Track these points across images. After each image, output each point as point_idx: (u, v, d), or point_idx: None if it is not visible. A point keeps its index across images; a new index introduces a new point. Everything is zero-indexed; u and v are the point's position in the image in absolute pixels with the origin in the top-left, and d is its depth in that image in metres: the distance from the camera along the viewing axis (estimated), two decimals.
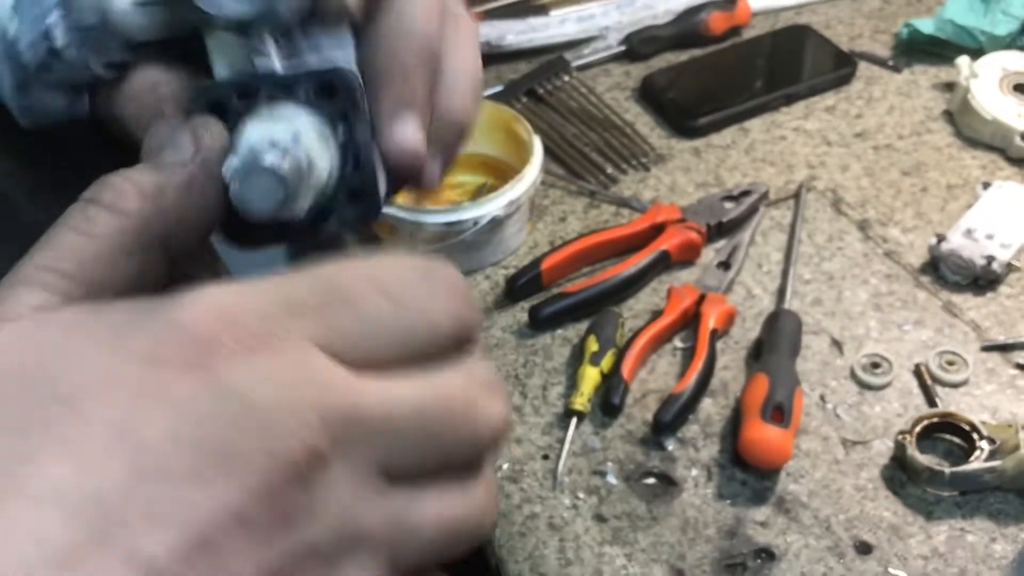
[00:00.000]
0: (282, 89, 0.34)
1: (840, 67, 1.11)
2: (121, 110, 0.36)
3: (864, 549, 0.71)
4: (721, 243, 0.93)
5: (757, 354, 0.83)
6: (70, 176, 0.40)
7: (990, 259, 0.86)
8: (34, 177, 0.39)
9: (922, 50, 1.13)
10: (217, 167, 0.31)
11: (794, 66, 1.14)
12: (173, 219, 0.30)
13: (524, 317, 0.88)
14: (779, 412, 0.74)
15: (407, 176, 0.36)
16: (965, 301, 0.87)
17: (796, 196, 0.97)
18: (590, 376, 0.81)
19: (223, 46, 0.35)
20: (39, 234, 0.34)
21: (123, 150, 0.36)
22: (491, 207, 0.89)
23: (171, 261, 0.30)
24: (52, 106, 0.38)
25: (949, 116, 1.06)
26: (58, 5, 0.34)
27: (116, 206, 0.29)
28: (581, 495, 0.75)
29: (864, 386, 0.81)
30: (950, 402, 0.79)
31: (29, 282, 0.27)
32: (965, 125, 1.03)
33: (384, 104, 0.35)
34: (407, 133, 0.35)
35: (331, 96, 0.34)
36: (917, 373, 0.81)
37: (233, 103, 0.34)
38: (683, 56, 1.15)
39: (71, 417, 0.22)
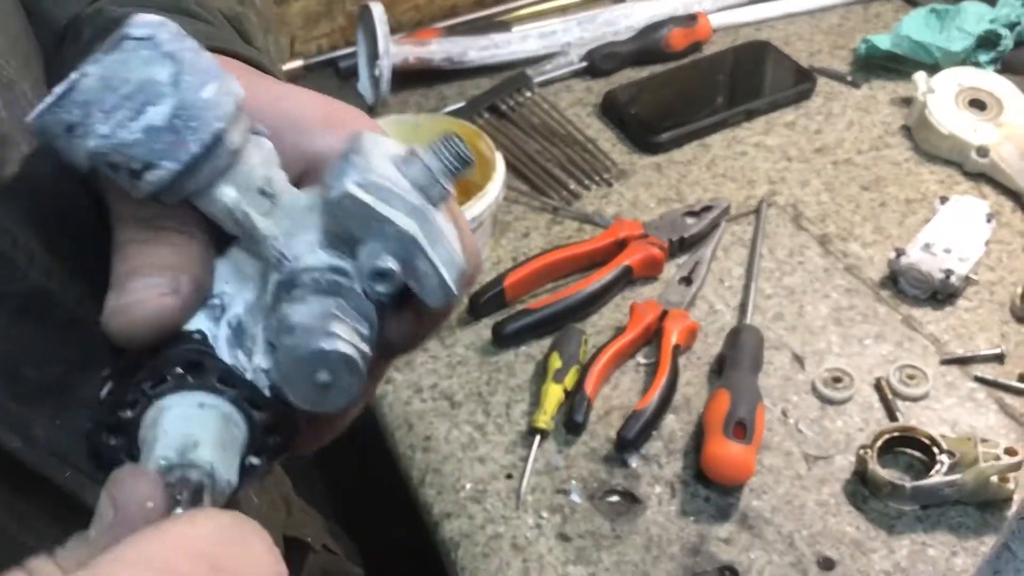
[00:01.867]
0: (248, 403, 0.36)
1: (800, 83, 1.12)
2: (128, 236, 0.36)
3: (827, 565, 0.71)
4: (683, 258, 0.93)
5: (719, 370, 0.83)
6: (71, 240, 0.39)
7: (948, 272, 0.86)
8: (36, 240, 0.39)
9: (880, 66, 1.14)
10: (140, 519, 0.30)
11: (755, 82, 1.14)
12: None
13: (487, 334, 0.88)
14: (741, 428, 0.74)
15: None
16: (924, 315, 0.87)
17: (757, 211, 0.98)
18: (553, 393, 0.81)
19: (242, 254, 0.37)
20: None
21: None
22: None
23: None
24: None
25: (907, 131, 1.07)
26: (180, 164, 0.34)
27: None
28: (545, 514, 0.75)
29: (826, 401, 0.81)
30: (911, 416, 0.79)
31: None
32: (923, 140, 1.04)
33: None
34: None
35: (274, 432, 0.37)
36: (878, 387, 0.81)
37: (210, 379, 0.35)
38: (644, 72, 1.15)
39: None
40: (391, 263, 0.36)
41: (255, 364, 0.36)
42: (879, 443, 0.75)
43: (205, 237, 0.36)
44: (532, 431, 0.80)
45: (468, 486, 0.77)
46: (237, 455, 0.36)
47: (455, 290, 0.37)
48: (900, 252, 0.89)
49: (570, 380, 0.82)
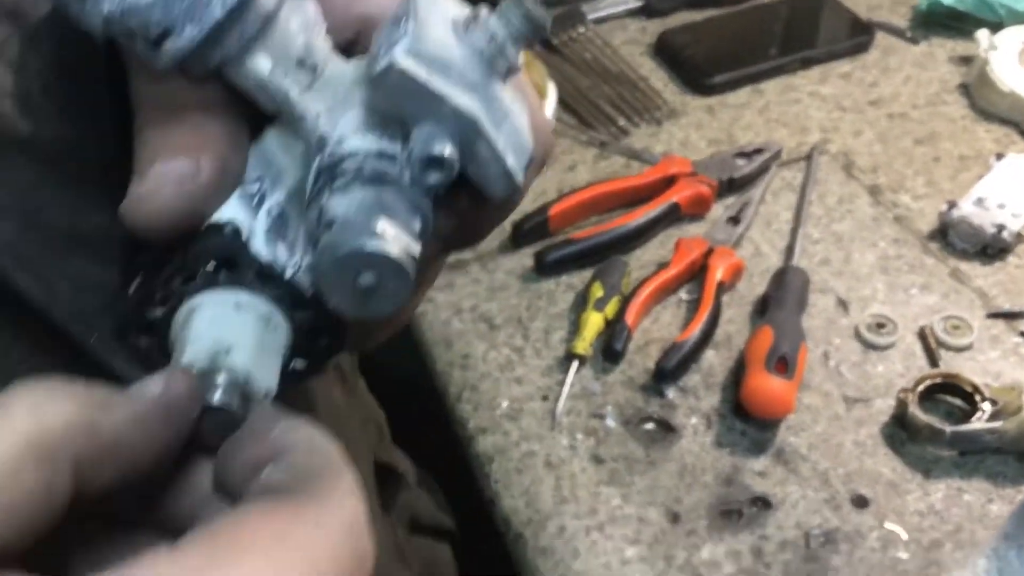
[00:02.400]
0: (290, 304, 0.33)
1: (857, 35, 1.10)
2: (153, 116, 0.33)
3: (861, 503, 0.70)
4: (731, 199, 0.92)
5: (762, 310, 0.82)
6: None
7: (1000, 228, 0.85)
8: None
9: (941, 23, 1.12)
10: (178, 413, 0.28)
11: (811, 31, 1.13)
12: (109, 436, 0.26)
13: (529, 262, 0.88)
14: (783, 363, 0.74)
15: None
16: (973, 269, 0.86)
17: (808, 158, 0.97)
18: (593, 321, 0.81)
19: (282, 136, 0.34)
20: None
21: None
22: None
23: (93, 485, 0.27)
24: None
25: (964, 90, 1.05)
26: (201, 28, 0.30)
27: (40, 409, 0.25)
28: (579, 436, 0.75)
29: (868, 345, 0.80)
30: (953, 366, 0.79)
31: None
32: (981, 98, 1.02)
33: None
34: None
35: (320, 336, 0.34)
36: (921, 335, 0.81)
37: (248, 276, 0.32)
38: (701, 15, 1.14)
39: None
40: (446, 148, 0.31)
41: (297, 260, 0.33)
42: (920, 387, 0.74)
43: (235, 116, 0.33)
44: (570, 357, 0.80)
45: (504, 404, 0.77)
46: (278, 359, 0.33)
47: (520, 179, 0.33)
48: (952, 205, 0.87)
49: (611, 309, 0.82)
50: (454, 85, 0.31)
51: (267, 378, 0.31)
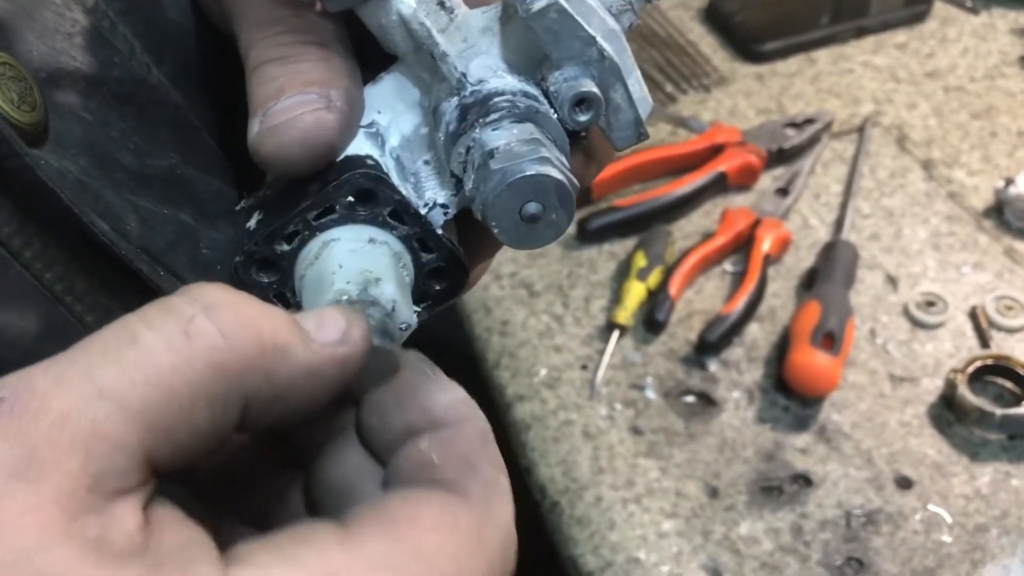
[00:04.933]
0: (418, 242, 0.33)
1: (914, 4, 1.07)
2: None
3: (904, 484, 0.69)
4: (780, 170, 0.90)
5: (809, 284, 0.81)
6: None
7: None
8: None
9: None
10: (351, 370, 0.27)
11: (866, 0, 1.10)
12: (285, 390, 0.25)
13: (571, 229, 0.86)
14: (829, 339, 0.72)
15: None
16: None
17: (860, 130, 0.94)
18: (635, 291, 0.79)
19: (398, 81, 0.34)
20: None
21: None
22: None
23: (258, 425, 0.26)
24: None
25: None
26: None
27: (229, 337, 0.24)
28: (618, 407, 0.74)
29: (917, 324, 0.78)
30: (1004, 347, 0.77)
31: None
32: None
33: None
34: None
35: (442, 276, 0.34)
36: (972, 315, 0.79)
37: (381, 212, 0.32)
38: None
39: None
40: (594, 88, 0.32)
41: (426, 198, 0.33)
42: (971, 369, 0.72)
43: (350, 56, 0.33)
44: (610, 326, 0.78)
45: (543, 372, 0.76)
46: (410, 296, 0.33)
47: (646, 131, 0.33)
48: (1009, 181, 0.85)
49: (653, 280, 0.80)
50: (597, 30, 0.32)
51: (408, 314, 0.31)
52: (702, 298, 0.81)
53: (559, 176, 0.30)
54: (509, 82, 0.32)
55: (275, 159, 0.32)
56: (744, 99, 0.98)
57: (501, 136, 0.31)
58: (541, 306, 0.81)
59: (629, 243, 0.85)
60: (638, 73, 0.33)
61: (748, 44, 1.02)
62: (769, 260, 0.81)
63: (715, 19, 1.06)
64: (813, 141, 0.92)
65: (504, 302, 0.82)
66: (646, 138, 0.34)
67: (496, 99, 0.32)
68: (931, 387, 0.74)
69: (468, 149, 0.31)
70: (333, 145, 0.32)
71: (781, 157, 0.90)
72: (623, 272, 0.82)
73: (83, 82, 0.34)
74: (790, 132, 0.91)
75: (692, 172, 0.88)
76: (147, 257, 0.34)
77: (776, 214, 0.85)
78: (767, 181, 0.90)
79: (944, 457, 0.70)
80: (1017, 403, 0.71)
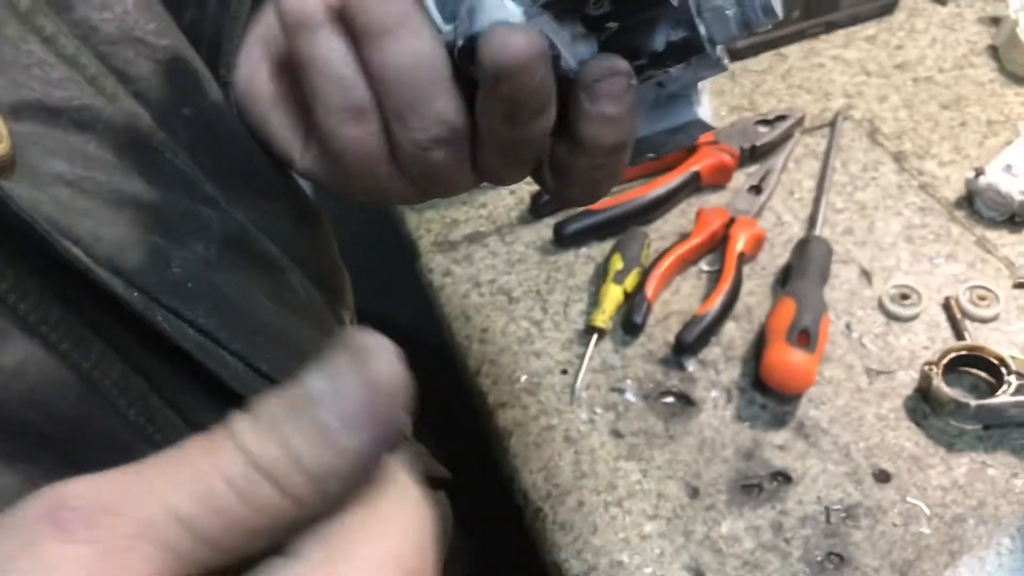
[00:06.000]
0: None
1: None
2: None
3: (883, 477, 0.70)
4: (753, 168, 0.91)
5: (784, 281, 0.82)
6: None
7: None
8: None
9: None
10: (394, 435, 0.25)
11: None
12: (340, 494, 0.24)
13: (548, 234, 0.87)
14: (805, 336, 0.73)
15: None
16: (1000, 237, 0.85)
17: (832, 124, 0.95)
18: (613, 294, 0.80)
19: None
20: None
21: None
22: None
23: None
24: None
25: (993, 52, 1.02)
26: None
27: (285, 489, 0.23)
28: (598, 410, 0.75)
29: (891, 317, 0.79)
30: (978, 337, 0.77)
31: (157, 535, 0.22)
32: (1010, 60, 1.00)
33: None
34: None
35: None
36: (946, 306, 0.79)
37: None
38: None
39: None
40: None
41: None
42: (945, 360, 0.73)
43: None
44: (589, 330, 0.79)
45: (523, 378, 0.77)
46: None
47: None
48: (979, 172, 0.86)
49: (630, 282, 0.81)
50: None
51: None
52: (679, 298, 0.82)
53: None
54: None
55: None
56: (716, 97, 0.99)
57: None
58: (520, 312, 0.82)
59: (606, 246, 0.86)
60: None
61: None
62: (744, 258, 0.82)
63: None
64: (785, 138, 0.92)
65: (484, 309, 0.82)
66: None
67: None
68: (907, 380, 0.75)
69: None
70: None
71: (754, 155, 0.91)
72: (600, 275, 0.83)
73: (44, 112, 0.35)
74: (762, 129, 0.92)
75: (666, 173, 0.89)
76: (120, 280, 0.34)
77: (750, 212, 0.86)
78: (741, 179, 0.90)
79: (921, 449, 0.71)
80: (992, 393, 0.72)
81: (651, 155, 0.40)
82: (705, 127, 0.39)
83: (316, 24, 0.35)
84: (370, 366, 0.24)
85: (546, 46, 0.32)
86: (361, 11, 0.34)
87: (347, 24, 0.35)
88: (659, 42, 0.35)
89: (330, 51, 0.36)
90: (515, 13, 0.33)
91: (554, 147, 0.38)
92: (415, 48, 0.34)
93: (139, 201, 0.36)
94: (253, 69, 0.40)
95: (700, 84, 0.39)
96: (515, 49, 0.32)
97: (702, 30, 0.35)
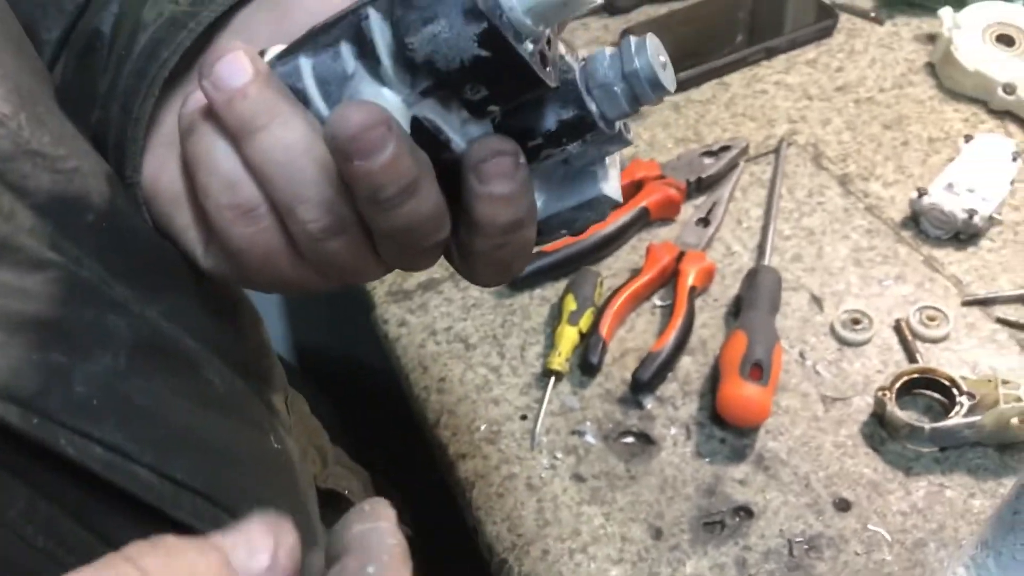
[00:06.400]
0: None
1: (821, 19, 1.09)
2: None
3: (843, 506, 0.70)
4: (701, 199, 0.92)
5: (736, 312, 0.82)
6: None
7: (971, 212, 0.85)
8: None
9: (905, 1, 1.11)
10: None
11: (775, 19, 1.12)
12: None
13: None
14: (758, 369, 0.74)
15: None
16: (946, 255, 0.86)
17: (776, 151, 0.96)
18: (568, 335, 0.80)
19: None
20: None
21: None
22: None
23: None
24: None
25: (931, 68, 1.04)
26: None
27: None
28: (559, 455, 0.75)
29: (844, 342, 0.80)
30: (931, 357, 0.78)
31: None
32: (947, 77, 1.01)
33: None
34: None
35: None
36: (897, 329, 0.80)
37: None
38: (663, 9, 1.13)
39: None
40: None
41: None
42: (898, 384, 0.74)
43: None
44: (547, 373, 0.79)
45: (483, 427, 0.77)
46: None
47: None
48: (922, 192, 0.87)
49: (585, 322, 0.81)
50: None
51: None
52: (634, 336, 0.82)
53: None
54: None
55: None
56: (662, 130, 1.00)
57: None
58: (478, 358, 0.82)
59: (560, 285, 0.86)
60: None
61: None
62: (696, 292, 0.83)
63: None
64: (731, 167, 0.93)
65: (440, 358, 0.82)
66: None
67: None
68: (862, 405, 0.76)
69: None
70: None
71: (700, 187, 0.92)
72: (555, 316, 0.83)
73: None
74: (708, 161, 0.93)
75: (615, 209, 0.89)
76: (17, 408, 0.34)
77: (699, 245, 0.86)
78: (689, 211, 0.91)
79: (879, 475, 0.72)
80: (945, 415, 0.73)
81: (564, 232, 0.40)
82: (613, 203, 0.39)
83: (202, 125, 0.36)
84: (280, 531, 0.28)
85: (387, 117, 0.32)
86: (229, 111, 0.35)
87: (224, 124, 0.35)
88: (551, 121, 0.36)
89: (214, 151, 0.36)
90: (392, 100, 0.34)
91: (455, 230, 0.38)
92: (287, 141, 0.35)
93: (39, 320, 0.35)
94: (158, 169, 0.40)
95: (608, 159, 0.39)
96: (353, 122, 0.32)
97: (593, 107, 0.36)
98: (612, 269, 0.87)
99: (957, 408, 0.72)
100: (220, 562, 0.26)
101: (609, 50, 0.37)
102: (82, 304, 0.37)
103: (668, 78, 0.36)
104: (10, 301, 0.35)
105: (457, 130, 0.35)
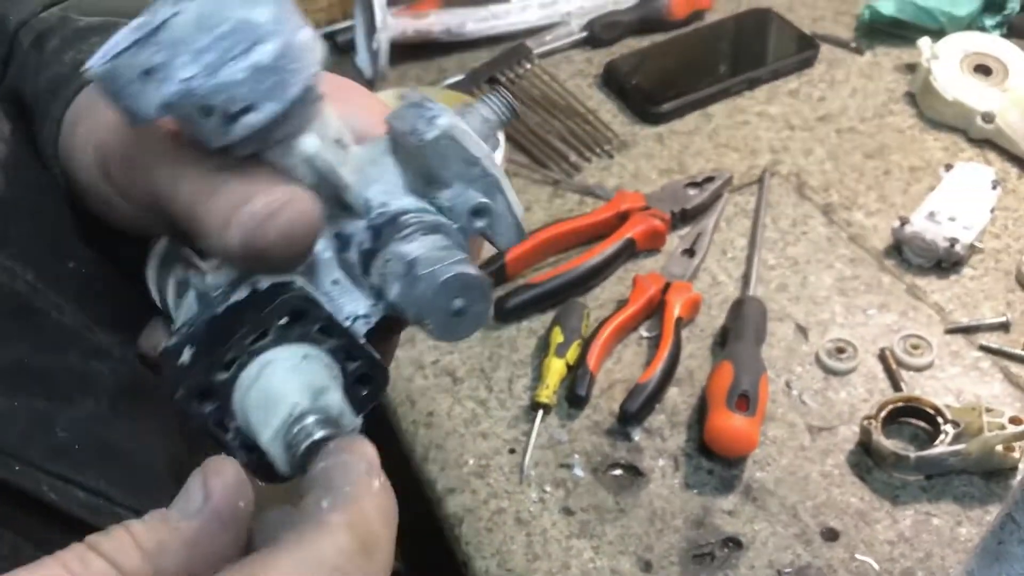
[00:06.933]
0: (344, 354, 0.36)
1: (803, 50, 1.11)
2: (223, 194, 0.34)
3: (831, 535, 0.71)
4: (686, 230, 0.92)
5: (723, 342, 0.83)
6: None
7: (953, 241, 0.86)
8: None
9: (884, 31, 1.13)
10: (229, 515, 0.30)
11: (757, 50, 1.13)
12: (176, 569, 0.28)
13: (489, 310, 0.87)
14: (744, 400, 0.74)
15: None
16: (929, 284, 0.87)
17: (760, 181, 0.97)
18: (555, 368, 0.81)
19: None
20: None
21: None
22: None
23: None
24: None
25: (911, 98, 1.05)
26: (282, 104, 0.33)
27: (115, 560, 0.27)
28: (548, 488, 0.75)
29: (829, 372, 0.81)
30: (915, 386, 0.79)
31: None
32: (927, 107, 1.03)
33: None
34: None
35: (365, 383, 0.36)
36: (882, 357, 0.81)
37: (311, 330, 0.34)
38: (646, 41, 1.14)
39: None
40: (485, 199, 0.37)
41: (346, 312, 0.36)
42: (883, 413, 0.75)
43: None
44: (535, 406, 0.79)
45: (471, 461, 0.77)
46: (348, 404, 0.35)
47: (524, 232, 0.39)
48: (904, 221, 0.88)
49: (572, 354, 0.82)
50: (478, 152, 0.37)
51: (350, 417, 0.34)
52: (621, 367, 0.83)
53: (479, 273, 0.36)
54: (409, 201, 0.37)
55: (260, 255, 0.32)
56: (646, 161, 1.00)
57: (418, 247, 0.36)
58: (465, 392, 0.82)
59: (547, 317, 0.86)
60: (509, 183, 0.39)
61: (645, 106, 1.05)
62: (682, 323, 0.83)
63: (612, 84, 1.09)
64: (715, 198, 0.94)
65: (428, 392, 0.82)
66: (524, 238, 0.39)
67: (403, 216, 0.36)
68: (848, 434, 0.76)
69: (387, 262, 0.36)
70: (314, 236, 0.33)
71: (685, 217, 0.93)
72: (543, 349, 0.84)
73: None
74: (692, 192, 0.94)
75: (601, 241, 0.90)
76: (2, 456, 0.34)
77: (685, 276, 0.87)
78: (675, 241, 0.92)
79: (867, 504, 0.72)
80: (931, 443, 0.73)
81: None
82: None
83: None
84: (210, 471, 0.30)
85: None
86: None
87: None
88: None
89: None
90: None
91: None
92: None
93: (21, 367, 0.36)
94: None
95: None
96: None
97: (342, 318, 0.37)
98: (599, 300, 0.88)
99: (942, 436, 0.72)
100: (158, 517, 0.29)
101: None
102: (64, 350, 0.37)
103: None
104: None
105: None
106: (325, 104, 0.35)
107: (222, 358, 0.34)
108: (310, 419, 0.32)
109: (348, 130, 0.37)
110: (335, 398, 0.34)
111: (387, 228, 0.36)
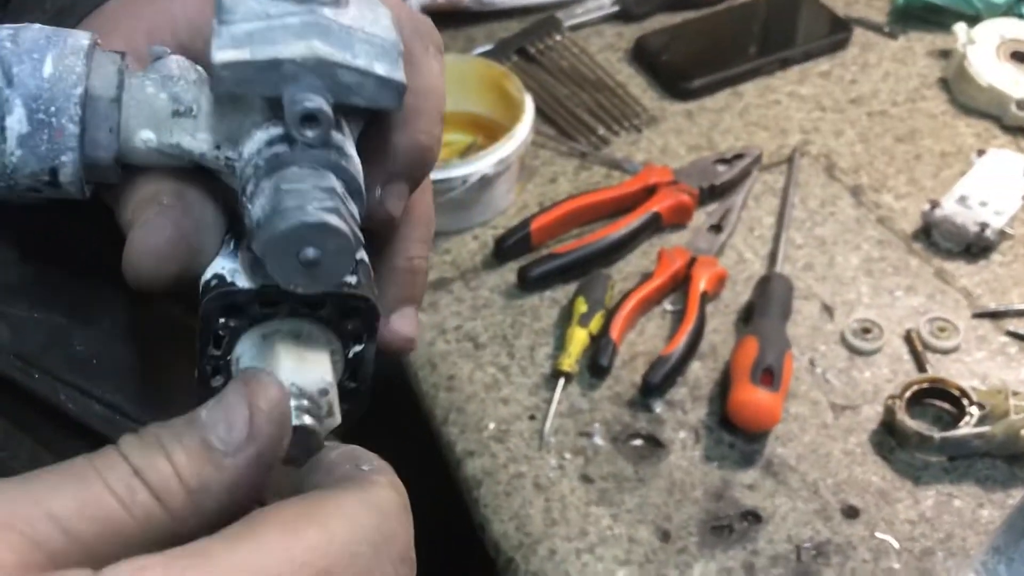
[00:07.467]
0: (306, 306, 0.33)
1: (835, 32, 1.10)
2: (121, 215, 0.34)
3: (851, 513, 0.70)
4: (713, 206, 0.92)
5: (747, 318, 0.82)
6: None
7: (983, 226, 0.85)
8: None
9: (918, 16, 1.12)
10: (271, 456, 0.29)
11: (789, 30, 1.12)
12: (213, 514, 0.27)
13: (512, 278, 0.87)
14: (769, 375, 0.74)
15: (398, 352, 0.39)
16: (957, 268, 0.86)
17: (789, 161, 0.96)
18: (578, 337, 0.80)
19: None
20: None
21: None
22: (480, 165, 0.87)
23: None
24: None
25: (944, 84, 1.04)
26: (74, 148, 0.32)
27: (161, 497, 0.26)
28: (567, 456, 0.75)
29: (854, 351, 0.80)
30: (940, 368, 0.78)
31: (27, 528, 0.24)
32: (960, 92, 1.02)
33: (390, 298, 0.37)
34: (407, 328, 0.38)
35: (351, 317, 0.34)
36: (908, 339, 0.80)
37: (254, 309, 0.33)
38: (677, 18, 1.13)
39: None
40: (307, 101, 0.31)
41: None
42: (908, 393, 0.74)
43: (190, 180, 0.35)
44: (556, 374, 0.79)
45: (491, 426, 0.77)
46: (327, 362, 0.34)
47: (400, 76, 0.33)
48: (935, 204, 0.87)
49: (595, 325, 0.81)
50: (283, 43, 0.31)
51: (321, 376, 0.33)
52: (644, 339, 0.82)
53: (312, 217, 0.30)
54: (256, 140, 0.32)
55: (141, 278, 0.32)
56: (675, 137, 1.00)
57: (259, 205, 0.31)
58: (487, 358, 0.82)
59: (571, 288, 0.86)
60: (371, 26, 0.33)
61: (676, 82, 1.04)
62: (707, 297, 0.83)
63: (642, 59, 1.08)
64: (744, 176, 0.93)
65: (450, 356, 0.82)
66: (403, 84, 0.33)
67: (247, 169, 0.32)
68: (872, 414, 0.76)
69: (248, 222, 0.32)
70: (183, 262, 0.33)
71: (713, 194, 0.92)
72: (566, 318, 0.83)
73: None
74: (721, 168, 0.93)
75: (628, 214, 0.89)
76: (20, 363, 0.35)
77: (711, 251, 0.86)
78: (701, 218, 0.91)
79: (888, 483, 0.72)
80: (955, 424, 0.73)
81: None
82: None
83: None
84: (255, 395, 0.28)
85: None
86: None
87: None
88: None
89: None
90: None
91: None
92: None
93: (41, 280, 0.37)
94: None
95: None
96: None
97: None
98: (623, 273, 0.87)
99: (967, 418, 0.72)
100: (200, 445, 0.27)
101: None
102: (78, 270, 0.38)
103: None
104: (8, 265, 0.36)
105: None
106: (138, 86, 0.33)
107: (206, 371, 0.34)
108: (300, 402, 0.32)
109: (192, 86, 0.33)
110: (334, 394, 0.33)
111: (243, 189, 0.33)
